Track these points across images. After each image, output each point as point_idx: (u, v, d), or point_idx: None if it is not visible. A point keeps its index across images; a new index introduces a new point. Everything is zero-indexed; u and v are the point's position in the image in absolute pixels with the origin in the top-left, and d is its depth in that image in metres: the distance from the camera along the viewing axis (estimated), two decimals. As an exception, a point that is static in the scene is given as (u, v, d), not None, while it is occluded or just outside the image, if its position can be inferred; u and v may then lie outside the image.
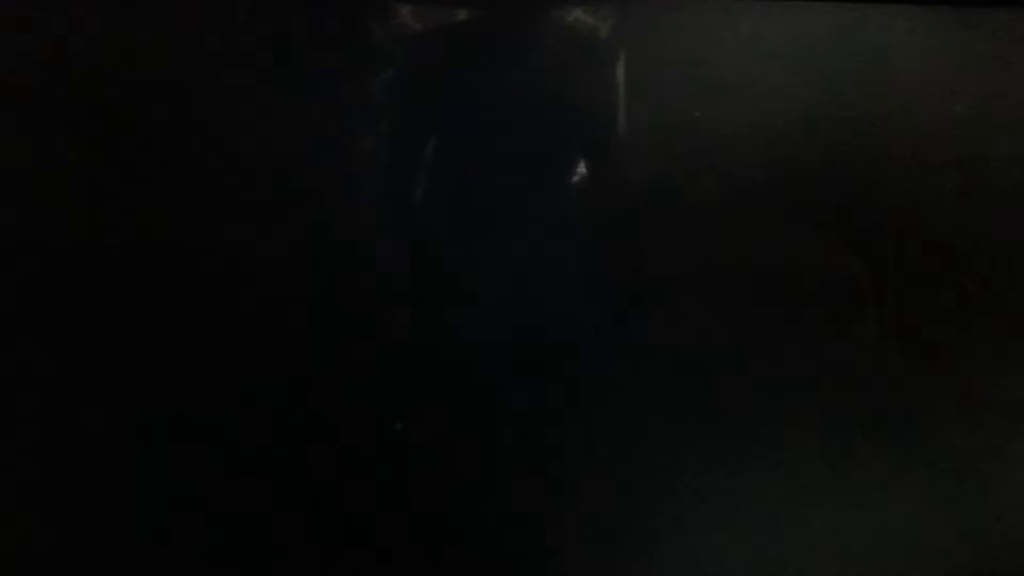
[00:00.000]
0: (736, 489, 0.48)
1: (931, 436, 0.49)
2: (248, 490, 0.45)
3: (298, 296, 0.44)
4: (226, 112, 0.43)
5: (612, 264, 0.46)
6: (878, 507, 0.49)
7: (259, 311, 0.44)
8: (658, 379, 0.47)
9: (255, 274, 0.44)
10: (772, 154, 0.46)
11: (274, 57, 0.43)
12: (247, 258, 0.44)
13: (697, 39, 0.45)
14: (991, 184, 0.48)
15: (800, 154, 0.46)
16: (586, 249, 0.46)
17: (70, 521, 0.44)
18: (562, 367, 0.46)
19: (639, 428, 0.47)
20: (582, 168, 0.46)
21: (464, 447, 0.46)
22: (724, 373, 0.47)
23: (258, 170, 0.44)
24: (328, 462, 0.45)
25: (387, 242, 0.45)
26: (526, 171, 0.45)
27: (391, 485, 0.46)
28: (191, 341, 0.44)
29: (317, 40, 0.43)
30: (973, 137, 0.47)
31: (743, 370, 0.47)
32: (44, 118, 0.42)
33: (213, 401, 0.44)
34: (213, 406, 0.44)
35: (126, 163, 0.43)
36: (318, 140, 0.44)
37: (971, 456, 0.49)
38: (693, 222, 0.47)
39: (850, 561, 0.49)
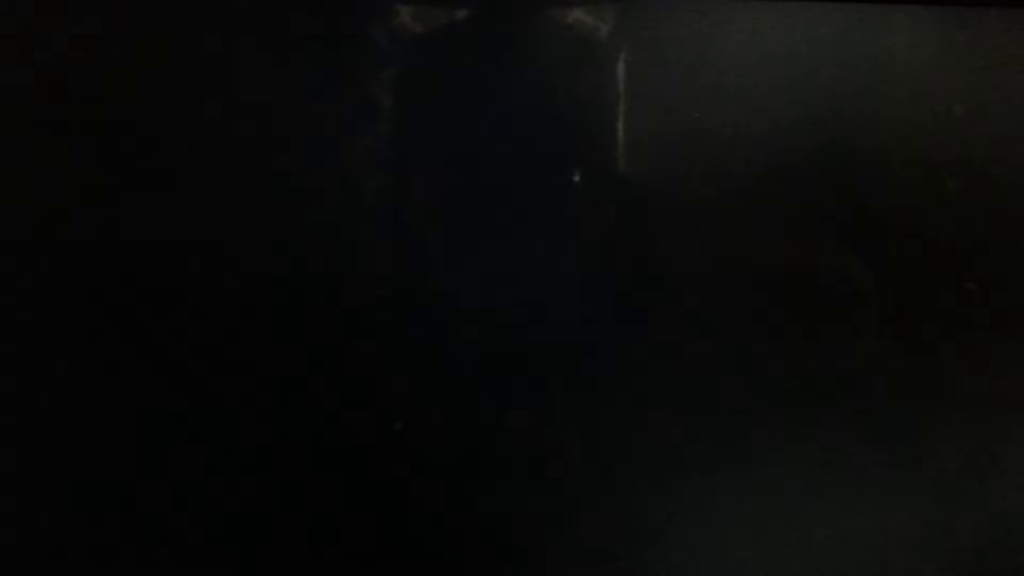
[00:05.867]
0: (735, 489, 0.48)
1: (931, 436, 0.49)
2: (247, 490, 0.45)
3: (298, 296, 0.44)
4: (225, 112, 0.43)
5: (612, 264, 0.46)
6: (878, 507, 0.49)
7: (258, 311, 0.44)
8: (657, 379, 0.47)
9: (254, 273, 0.44)
10: (772, 154, 0.46)
11: (274, 57, 0.43)
12: (246, 258, 0.44)
13: (697, 39, 0.45)
14: (991, 184, 0.48)
15: (800, 154, 0.46)
16: (586, 249, 0.46)
17: (68, 521, 0.44)
18: (561, 367, 0.46)
19: (638, 428, 0.47)
20: (582, 168, 0.46)
21: (464, 447, 0.46)
22: (723, 373, 0.47)
23: (258, 170, 0.44)
24: (327, 462, 0.45)
25: (387, 242, 0.45)
26: (525, 171, 0.45)
27: (390, 485, 0.46)
28: (190, 341, 0.44)
29: (317, 40, 0.43)
30: (973, 137, 0.47)
31: (742, 370, 0.47)
32: (44, 118, 0.42)
33: (210, 401, 0.44)
34: (210, 406, 0.44)
35: (125, 163, 0.43)
36: (318, 140, 0.44)
37: (971, 456, 0.49)
38: (693, 222, 0.47)
39: (850, 561, 0.49)
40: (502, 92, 0.45)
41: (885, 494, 0.49)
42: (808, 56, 0.46)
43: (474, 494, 0.47)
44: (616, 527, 0.48)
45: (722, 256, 0.47)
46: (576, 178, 0.46)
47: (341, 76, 0.44)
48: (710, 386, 0.47)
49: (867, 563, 0.49)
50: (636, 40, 0.45)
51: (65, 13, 0.41)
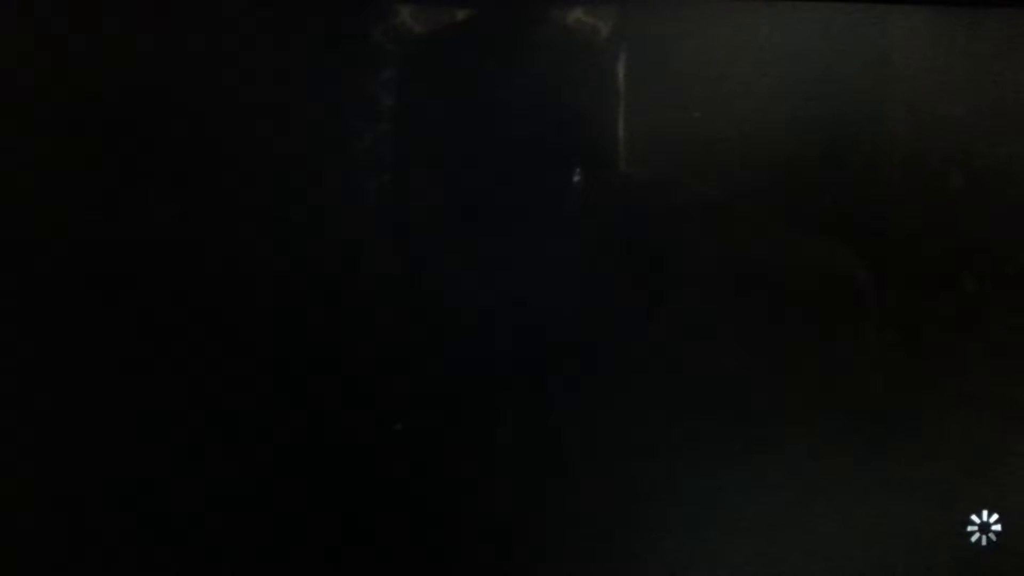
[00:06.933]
0: (736, 488, 0.48)
1: (931, 436, 0.49)
2: (248, 490, 0.45)
3: (298, 296, 0.44)
4: (226, 112, 0.43)
5: (612, 264, 0.46)
6: (878, 507, 0.49)
7: (259, 311, 0.44)
8: (657, 379, 0.47)
9: (255, 274, 0.44)
10: (772, 154, 0.46)
11: (274, 57, 0.43)
12: (247, 258, 0.44)
13: (697, 39, 0.45)
14: (991, 184, 0.48)
15: (800, 154, 0.46)
16: (586, 249, 0.46)
17: (68, 522, 0.44)
18: (560, 367, 0.46)
19: (639, 428, 0.47)
20: (582, 168, 0.46)
21: (465, 447, 0.46)
22: (722, 373, 0.47)
23: (258, 170, 0.44)
24: (328, 462, 0.45)
25: (387, 242, 0.45)
26: (525, 171, 0.45)
27: (391, 485, 0.46)
28: (191, 341, 0.44)
29: (318, 40, 0.43)
30: (973, 137, 0.47)
31: (742, 370, 0.47)
32: (44, 118, 0.42)
33: (212, 401, 0.44)
34: (212, 406, 0.44)
35: (126, 163, 0.43)
36: (318, 140, 0.44)
37: (971, 456, 0.49)
38: (693, 222, 0.47)
39: (849, 561, 0.49)
40: (502, 92, 0.45)
41: (885, 494, 0.49)
42: (808, 56, 0.46)
43: (474, 494, 0.47)
44: (616, 527, 0.48)
45: (722, 256, 0.47)
46: (576, 178, 0.46)
47: (341, 76, 0.44)
48: (710, 385, 0.47)
49: (867, 562, 0.49)
50: (636, 40, 0.45)
51: (66, 13, 0.41)
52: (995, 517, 0.49)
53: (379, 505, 0.46)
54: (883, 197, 0.47)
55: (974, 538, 0.49)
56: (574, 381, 0.46)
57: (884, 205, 0.48)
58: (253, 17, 0.43)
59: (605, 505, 0.48)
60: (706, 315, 0.47)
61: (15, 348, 0.43)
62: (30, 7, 0.41)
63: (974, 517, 0.49)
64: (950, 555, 0.50)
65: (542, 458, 0.47)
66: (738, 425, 0.48)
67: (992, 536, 0.49)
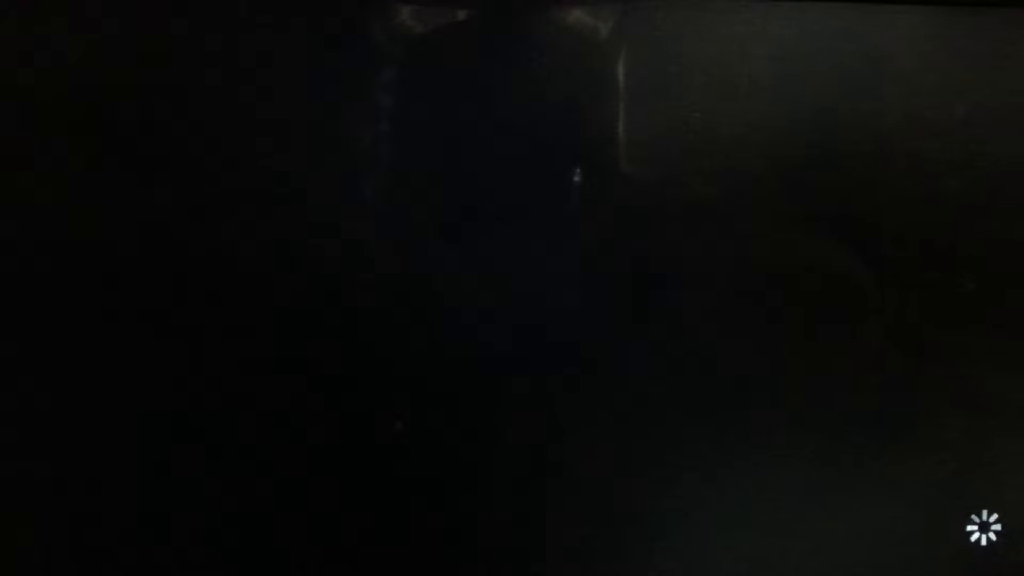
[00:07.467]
0: (735, 489, 0.48)
1: (931, 436, 0.49)
2: (247, 490, 0.45)
3: (298, 296, 0.44)
4: (225, 112, 0.43)
5: (612, 264, 0.46)
6: (878, 507, 0.49)
7: (259, 311, 0.44)
8: (657, 379, 0.47)
9: (254, 274, 0.44)
10: (772, 154, 0.46)
11: (274, 56, 0.43)
12: (246, 258, 0.44)
13: (698, 39, 0.45)
14: (991, 184, 0.48)
15: (800, 154, 0.46)
16: (586, 249, 0.46)
17: (68, 522, 0.44)
18: (561, 367, 0.46)
19: (638, 427, 0.47)
20: (582, 168, 0.46)
21: (465, 447, 0.46)
22: (722, 373, 0.47)
23: (258, 170, 0.44)
24: (328, 462, 0.45)
25: (387, 242, 0.45)
26: (525, 172, 0.45)
27: (391, 485, 0.46)
28: (190, 341, 0.44)
29: (317, 40, 0.43)
30: (973, 137, 0.47)
31: (742, 370, 0.47)
32: (44, 118, 0.42)
33: (211, 401, 0.44)
34: (211, 406, 0.44)
35: (124, 163, 0.43)
36: (318, 140, 0.44)
37: (971, 456, 0.49)
38: (693, 222, 0.47)
39: (849, 561, 0.49)
40: (502, 92, 0.45)
41: (885, 494, 0.49)
42: (808, 56, 0.46)
43: (475, 494, 0.47)
44: (617, 527, 0.48)
45: (722, 256, 0.47)
46: (577, 178, 0.46)
47: (341, 76, 0.44)
48: (710, 386, 0.47)
49: (867, 562, 0.49)
50: (636, 40, 0.45)
51: (65, 13, 0.41)
52: (995, 517, 0.49)
53: (380, 505, 0.46)
54: (883, 197, 0.47)
55: (974, 538, 0.49)
56: (574, 381, 0.46)
57: (884, 205, 0.48)
58: (252, 17, 0.43)
59: (605, 505, 0.48)
60: (706, 315, 0.47)
61: (14, 348, 0.43)
62: (30, 7, 0.41)
63: (974, 517, 0.49)
64: (950, 555, 0.50)
65: (543, 458, 0.47)
66: (738, 425, 0.48)
67: (992, 536, 0.49)
